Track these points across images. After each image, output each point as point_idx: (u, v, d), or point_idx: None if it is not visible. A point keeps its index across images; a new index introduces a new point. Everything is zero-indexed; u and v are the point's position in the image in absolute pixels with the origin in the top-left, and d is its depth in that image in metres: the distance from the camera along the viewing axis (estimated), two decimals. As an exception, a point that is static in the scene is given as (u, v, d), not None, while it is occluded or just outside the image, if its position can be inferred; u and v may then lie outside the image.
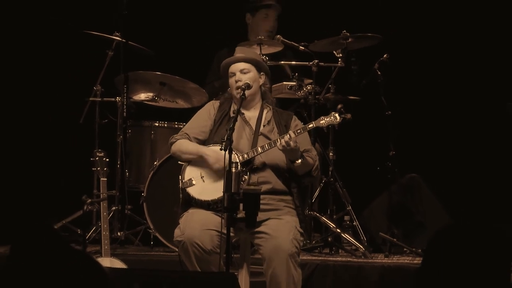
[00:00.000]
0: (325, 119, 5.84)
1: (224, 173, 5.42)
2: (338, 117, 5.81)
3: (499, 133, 7.17)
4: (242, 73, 5.87)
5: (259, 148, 5.72)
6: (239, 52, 6.25)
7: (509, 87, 7.04)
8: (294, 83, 6.97)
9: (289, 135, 5.61)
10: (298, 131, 5.71)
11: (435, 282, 2.74)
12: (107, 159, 6.37)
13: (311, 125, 5.83)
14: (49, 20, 7.63)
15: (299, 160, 5.69)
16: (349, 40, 6.97)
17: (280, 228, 5.56)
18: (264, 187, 5.59)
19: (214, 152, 5.71)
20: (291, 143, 5.58)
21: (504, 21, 7.61)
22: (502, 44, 7.59)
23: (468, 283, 2.70)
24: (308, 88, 6.99)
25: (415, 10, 7.70)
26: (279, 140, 5.63)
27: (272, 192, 5.70)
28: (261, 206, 5.38)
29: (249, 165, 5.71)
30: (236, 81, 5.84)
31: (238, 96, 5.80)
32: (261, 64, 5.99)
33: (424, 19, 7.71)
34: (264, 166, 5.74)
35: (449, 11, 7.71)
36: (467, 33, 7.69)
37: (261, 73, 5.95)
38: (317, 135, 6.53)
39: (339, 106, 6.02)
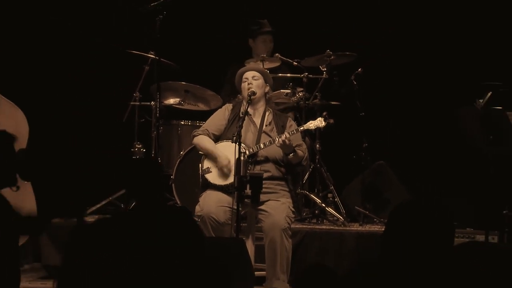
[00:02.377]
0: (313, 123, 5.86)
1: (234, 161, 5.46)
2: (323, 122, 5.84)
3: (449, 131, 7.15)
4: (253, 79, 5.90)
5: (261, 144, 5.74)
6: (253, 65, 6.30)
7: (459, 96, 7.00)
8: (289, 91, 6.98)
9: (285, 135, 5.64)
10: (292, 132, 5.73)
11: (395, 245, 2.75)
12: (144, 150, 6.40)
13: (302, 128, 5.85)
14: (101, 43, 7.65)
15: (292, 154, 5.73)
16: (332, 57, 6.95)
17: (277, 207, 5.59)
18: (265, 175, 5.62)
19: (225, 158, 5.72)
20: (286, 141, 5.61)
21: (454, 39, 7.61)
22: (455, 61, 7.58)
23: (421, 246, 2.71)
24: (300, 95, 7.00)
25: (382, 33, 7.70)
26: (277, 139, 5.66)
27: (271, 178, 5.73)
28: (262, 190, 5.44)
29: (253, 158, 5.75)
30: (248, 84, 5.87)
31: (247, 98, 5.83)
32: (268, 77, 6.01)
33: (389, 42, 7.69)
34: (265, 159, 5.77)
35: (408, 33, 7.71)
36: (424, 50, 7.67)
37: (267, 84, 5.97)
38: (307, 131, 6.55)
39: (324, 113, 5.99)
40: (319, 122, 5.83)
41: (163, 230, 2.88)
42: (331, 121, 5.86)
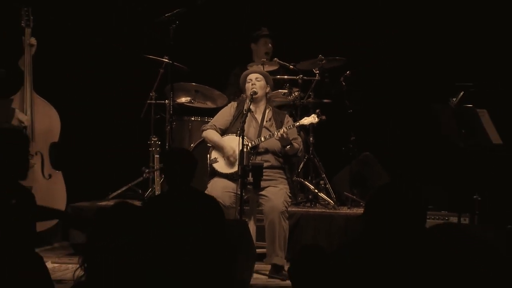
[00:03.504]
0: (308, 119, 5.89)
1: (238, 152, 5.49)
2: (316, 118, 5.88)
3: (425, 125, 7.17)
4: (257, 81, 5.92)
5: (262, 137, 5.77)
6: (256, 68, 6.33)
7: (435, 95, 6.99)
8: (286, 91, 6.99)
9: (283, 130, 5.68)
10: (289, 127, 5.76)
11: (373, 224, 2.74)
12: (159, 142, 6.40)
13: (297, 123, 5.88)
14: (122, 50, 7.68)
15: (289, 146, 5.75)
16: (324, 61, 6.95)
17: (275, 193, 5.62)
18: (265, 164, 5.64)
19: (231, 148, 5.75)
20: (284, 135, 5.64)
21: (431, 45, 7.61)
22: (431, 63, 7.59)
23: (396, 225, 2.70)
24: (296, 94, 7.02)
25: (368, 40, 7.71)
26: (276, 133, 5.69)
27: (271, 167, 5.75)
28: (263, 178, 5.46)
29: (255, 149, 5.78)
30: (252, 85, 5.90)
31: (249, 97, 5.86)
32: (269, 79, 6.03)
33: (374, 48, 7.70)
34: (265, 150, 5.79)
35: (391, 41, 7.72)
36: (404, 55, 7.68)
37: (268, 85, 6.00)
38: (302, 126, 6.55)
39: (317, 110, 6.03)
40: (312, 118, 5.87)
41: (193, 210, 2.91)
42: (323, 117, 5.92)
